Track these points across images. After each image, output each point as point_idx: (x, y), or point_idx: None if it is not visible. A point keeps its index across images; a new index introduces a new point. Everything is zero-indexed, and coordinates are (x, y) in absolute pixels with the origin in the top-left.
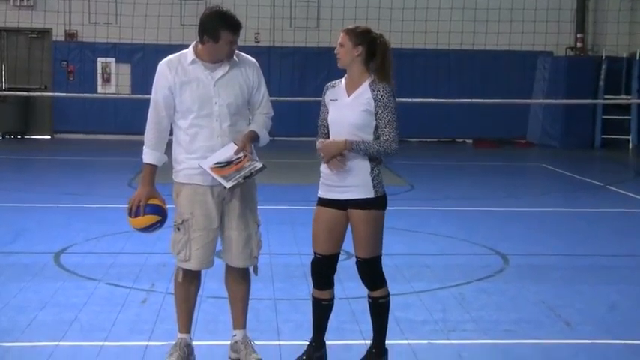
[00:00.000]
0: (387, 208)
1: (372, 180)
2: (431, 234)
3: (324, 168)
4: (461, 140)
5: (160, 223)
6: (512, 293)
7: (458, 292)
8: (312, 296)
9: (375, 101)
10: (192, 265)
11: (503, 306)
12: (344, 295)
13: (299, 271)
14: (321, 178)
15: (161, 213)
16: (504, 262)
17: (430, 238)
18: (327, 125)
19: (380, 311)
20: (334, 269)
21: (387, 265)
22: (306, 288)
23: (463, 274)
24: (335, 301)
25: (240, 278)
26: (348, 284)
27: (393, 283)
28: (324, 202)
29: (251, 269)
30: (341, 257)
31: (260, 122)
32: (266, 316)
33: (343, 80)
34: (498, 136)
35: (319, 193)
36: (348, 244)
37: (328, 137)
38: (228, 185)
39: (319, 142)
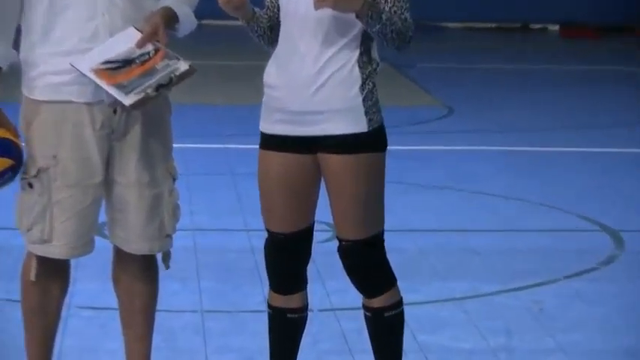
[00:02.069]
0: (400, 147)
1: (364, 101)
2: (480, 194)
3: (273, 70)
4: (539, 26)
5: (11, 172)
6: (628, 300)
7: (531, 298)
8: (269, 306)
9: None
10: (54, 251)
11: (613, 324)
12: (327, 303)
13: (246, 261)
14: (265, 95)
15: (13, 153)
16: (615, 246)
17: (479, 201)
18: (276, 8)
19: (385, 333)
20: (305, 258)
21: (401, 251)
22: (258, 291)
23: (541, 266)
24: (309, 313)
25: (140, 275)
26: (333, 284)
27: (411, 284)
28: (274, 143)
29: (160, 258)
30: (323, 236)
31: None
32: (187, 342)
33: None
34: (601, 20)
35: (263, 125)
36: (326, 212)
37: (272, 26)
38: (127, 101)
39: None
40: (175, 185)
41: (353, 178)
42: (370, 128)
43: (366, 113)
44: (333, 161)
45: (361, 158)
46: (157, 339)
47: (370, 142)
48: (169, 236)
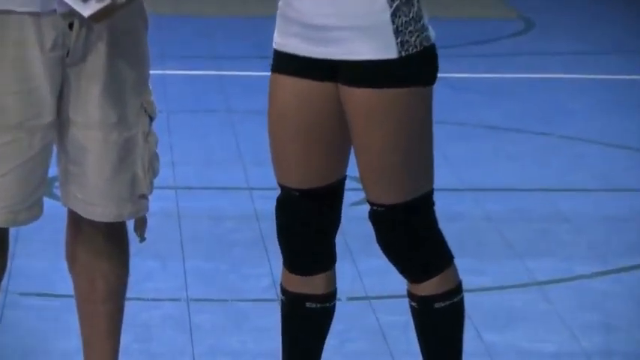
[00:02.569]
0: (459, 75)
1: (394, 17)
2: (571, 139)
3: None
4: None
5: None
6: None
7: None
8: (283, 291)
9: None
10: None
11: None
12: (359, 289)
13: (247, 230)
14: (280, 0)
15: None
16: None
17: (570, 149)
18: None
19: (437, 329)
20: (332, 225)
21: (460, 218)
22: (263, 272)
23: None
24: (338, 302)
25: (104, 251)
26: (369, 263)
27: (474, 263)
28: (290, 64)
29: (131, 227)
30: (354, 197)
31: None
32: (167, 342)
33: None
34: None
35: (277, 39)
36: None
37: None
38: (87, 11)
39: None
40: (153, 127)
41: (380, 121)
42: (403, 54)
43: (397, 34)
44: (354, 97)
45: (390, 95)
46: (126, 337)
47: (403, 74)
48: (144, 197)
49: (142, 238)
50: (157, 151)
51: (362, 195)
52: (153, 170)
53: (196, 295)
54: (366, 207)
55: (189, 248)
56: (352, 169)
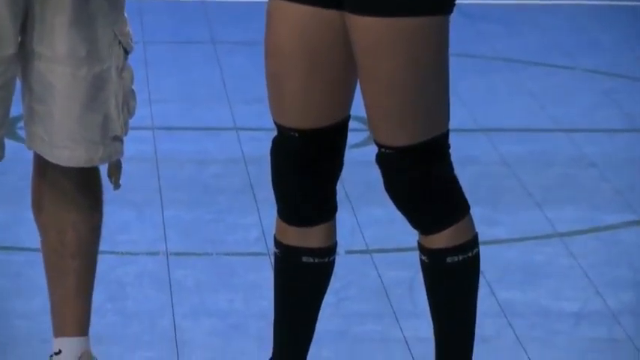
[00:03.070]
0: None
1: None
2: (599, 74)
3: None
4: None
5: None
6: None
7: None
8: (277, 243)
9: None
10: None
11: None
12: (360, 242)
13: (234, 176)
14: None
15: None
16: None
17: (598, 85)
18: None
19: (450, 286)
20: (333, 170)
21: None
22: (252, 222)
23: None
24: (338, 257)
25: (74, 199)
26: (371, 212)
27: (490, 212)
28: None
29: (105, 171)
30: (355, 138)
31: None
32: (145, 301)
33: None
34: None
35: None
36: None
37: None
38: None
39: None
40: (128, 61)
41: (390, 53)
42: None
43: None
44: (361, 26)
45: (402, 24)
46: (98, 296)
47: (417, 1)
48: (118, 139)
49: (117, 185)
50: (132, 87)
51: (362, 136)
52: (128, 109)
53: (177, 249)
54: (367, 149)
55: (168, 196)
56: (353, 108)
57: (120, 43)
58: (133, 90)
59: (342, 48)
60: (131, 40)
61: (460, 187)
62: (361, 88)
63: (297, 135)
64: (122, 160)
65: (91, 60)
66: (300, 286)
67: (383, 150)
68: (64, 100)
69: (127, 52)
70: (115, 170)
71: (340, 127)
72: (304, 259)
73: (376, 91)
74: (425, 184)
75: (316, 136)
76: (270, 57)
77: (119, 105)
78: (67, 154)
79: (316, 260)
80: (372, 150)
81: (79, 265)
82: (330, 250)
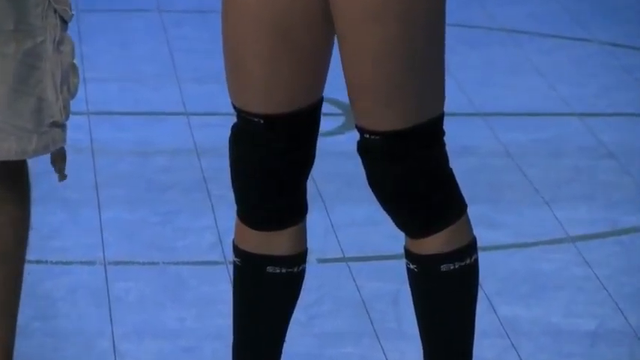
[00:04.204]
0: None
1: None
2: (615, 47)
3: None
4: None
5: None
6: None
7: None
8: (236, 250)
9: None
10: None
11: None
12: (335, 248)
13: (186, 170)
14: None
15: None
16: None
17: (615, 59)
18: None
19: (443, 300)
20: (304, 162)
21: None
22: (206, 224)
23: None
24: (309, 267)
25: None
26: (348, 212)
27: (491, 212)
28: None
29: (36, 167)
30: (329, 124)
31: None
32: (80, 318)
33: None
34: None
35: None
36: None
37: None
38: None
39: None
40: (67, 32)
41: (378, 19)
42: None
43: None
44: None
45: None
46: (24, 312)
47: None
48: (58, 125)
49: (62, 176)
50: (74, 62)
51: (337, 122)
52: (68, 89)
53: (117, 257)
54: (343, 138)
55: (106, 194)
56: (328, 89)
57: (55, 11)
58: (74, 65)
59: (317, 13)
60: (69, 7)
61: (456, 182)
62: (343, 64)
63: (262, 122)
64: (66, 146)
65: (20, 34)
66: (265, 300)
67: (367, 136)
68: None
69: (65, 22)
70: (60, 158)
71: (313, 111)
72: (269, 269)
73: (360, 64)
74: (417, 177)
75: (285, 123)
76: (229, 26)
77: (57, 85)
78: None
79: (283, 270)
80: (349, 138)
81: (2, 275)
82: (300, 258)
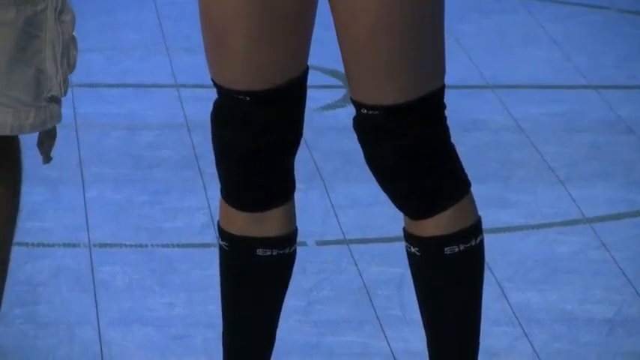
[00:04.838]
0: None
1: None
2: (636, 15)
3: None
4: None
5: None
6: None
7: None
8: (222, 233)
9: None
10: None
11: None
12: (334, 229)
13: (177, 146)
14: None
15: None
16: None
17: (634, 29)
18: None
19: (446, 285)
20: (291, 140)
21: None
22: (199, 202)
23: None
24: (304, 248)
25: None
26: (347, 190)
27: (499, 191)
28: None
29: (37, 139)
30: (324, 98)
31: None
32: (63, 304)
33: None
34: None
35: None
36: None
37: None
38: None
39: None
40: (68, 1)
41: None
42: None
43: None
44: None
45: None
46: (5, 300)
47: None
48: (55, 100)
49: (48, 158)
50: (74, 34)
51: (337, 95)
52: (68, 62)
53: (102, 239)
54: (343, 112)
55: (91, 171)
56: (319, 57)
57: None
58: (74, 37)
59: None
60: None
61: (459, 159)
62: (339, 34)
63: (248, 99)
64: (57, 122)
65: (20, 0)
66: (256, 285)
67: (364, 111)
68: None
69: None
70: (49, 138)
71: (300, 83)
72: (259, 251)
73: (357, 35)
74: (418, 154)
75: (273, 99)
76: (211, 3)
77: (57, 57)
78: None
79: (274, 253)
80: (350, 112)
81: None
82: (291, 239)
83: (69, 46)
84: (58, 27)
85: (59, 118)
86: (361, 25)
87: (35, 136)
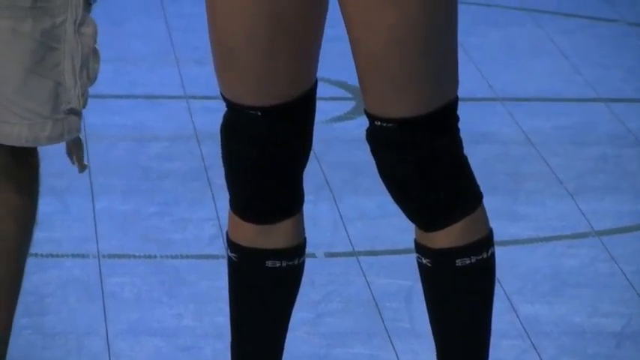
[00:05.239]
0: None
1: None
2: None
3: None
4: None
5: None
6: None
7: None
8: (230, 244)
9: None
10: None
11: None
12: (343, 241)
13: (186, 157)
14: None
15: None
16: None
17: None
18: None
19: (458, 297)
20: (300, 153)
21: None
22: (208, 214)
23: None
24: (313, 260)
25: (6, 185)
26: (356, 202)
27: (509, 204)
28: None
29: (65, 151)
30: (334, 110)
31: None
32: (71, 315)
33: None
34: None
35: None
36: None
37: None
38: None
39: None
40: (90, 14)
41: (395, 1)
42: None
43: None
44: None
45: None
46: (18, 310)
47: None
48: (75, 113)
49: (82, 166)
50: (95, 46)
51: (347, 107)
52: (88, 74)
53: (111, 250)
54: (352, 124)
55: (100, 182)
56: (328, 69)
57: None
58: (95, 49)
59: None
60: None
61: (471, 171)
62: (353, 47)
63: (259, 114)
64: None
65: (38, 11)
66: (265, 296)
67: (378, 123)
68: (1, 62)
69: (88, 3)
70: (77, 148)
71: (310, 96)
72: (269, 263)
73: (372, 47)
74: (431, 166)
75: (283, 113)
76: (219, 18)
77: (76, 69)
78: (7, 130)
79: (283, 264)
80: (360, 124)
81: (5, 271)
82: (299, 250)
83: (89, 58)
84: (78, 39)
85: (78, 130)
86: (377, 40)
87: (48, 151)
